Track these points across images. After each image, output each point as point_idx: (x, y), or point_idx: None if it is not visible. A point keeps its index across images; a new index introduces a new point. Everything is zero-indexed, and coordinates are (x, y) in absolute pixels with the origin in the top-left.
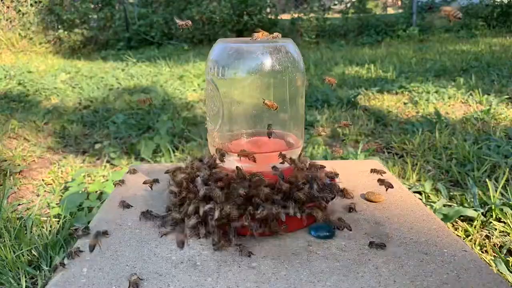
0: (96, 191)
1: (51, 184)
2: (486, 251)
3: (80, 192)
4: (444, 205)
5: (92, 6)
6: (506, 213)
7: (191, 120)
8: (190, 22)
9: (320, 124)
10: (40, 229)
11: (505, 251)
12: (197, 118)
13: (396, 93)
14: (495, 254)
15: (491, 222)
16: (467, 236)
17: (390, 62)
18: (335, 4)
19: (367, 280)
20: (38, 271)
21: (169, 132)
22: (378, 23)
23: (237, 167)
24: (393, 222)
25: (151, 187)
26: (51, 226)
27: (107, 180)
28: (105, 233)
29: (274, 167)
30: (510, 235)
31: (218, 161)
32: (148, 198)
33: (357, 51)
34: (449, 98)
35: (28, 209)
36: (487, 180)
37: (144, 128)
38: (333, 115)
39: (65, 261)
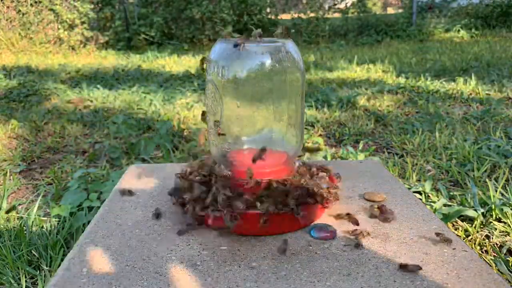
0: (96, 191)
1: (51, 184)
2: (486, 251)
3: (80, 192)
4: (444, 205)
5: (92, 6)
6: (506, 213)
7: (191, 120)
8: None
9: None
10: (40, 229)
11: (505, 251)
12: (197, 118)
13: (396, 93)
14: (495, 254)
15: (491, 222)
16: (467, 236)
17: (390, 62)
18: (335, 4)
19: (367, 280)
20: (38, 271)
21: (169, 132)
22: (378, 23)
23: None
24: (393, 222)
25: None
26: (51, 226)
27: (107, 180)
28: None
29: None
30: (510, 235)
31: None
32: (149, 197)
33: (357, 51)
34: (449, 98)
35: (28, 209)
36: (487, 180)
37: (144, 128)
38: (333, 115)
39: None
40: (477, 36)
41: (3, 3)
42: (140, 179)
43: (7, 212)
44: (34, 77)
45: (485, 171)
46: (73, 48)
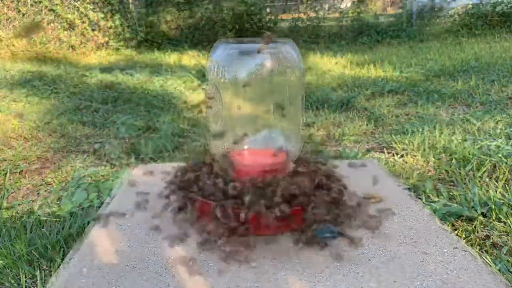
0: (96, 191)
1: (51, 184)
2: (486, 251)
3: (80, 192)
4: (444, 205)
5: (92, 6)
6: (506, 213)
7: (191, 120)
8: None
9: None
10: (40, 229)
11: (505, 251)
12: (198, 118)
13: (396, 93)
14: (495, 254)
15: (491, 222)
16: (467, 236)
17: (390, 62)
18: (334, 5)
19: (367, 280)
20: (38, 271)
21: (169, 132)
22: (378, 23)
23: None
24: (393, 222)
25: None
26: (51, 226)
27: (107, 180)
28: None
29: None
30: (510, 235)
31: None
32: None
33: (357, 51)
34: (449, 98)
35: (28, 209)
36: (487, 180)
37: (144, 128)
38: (332, 115)
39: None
40: (477, 36)
41: (3, 3)
42: (140, 179)
43: (7, 211)
44: (34, 77)
45: (485, 171)
46: (73, 48)
